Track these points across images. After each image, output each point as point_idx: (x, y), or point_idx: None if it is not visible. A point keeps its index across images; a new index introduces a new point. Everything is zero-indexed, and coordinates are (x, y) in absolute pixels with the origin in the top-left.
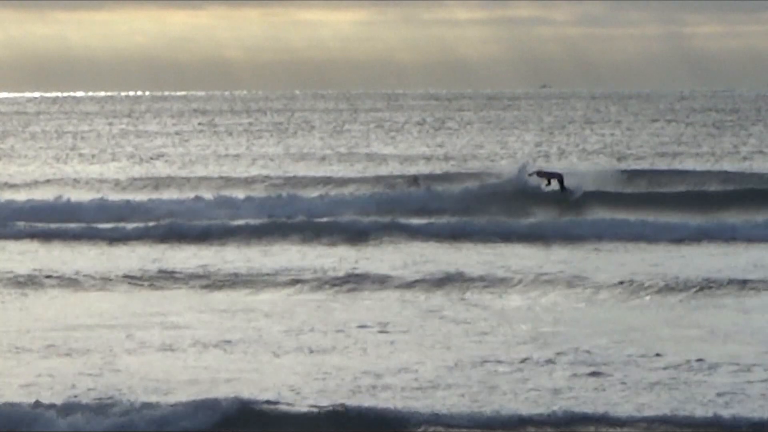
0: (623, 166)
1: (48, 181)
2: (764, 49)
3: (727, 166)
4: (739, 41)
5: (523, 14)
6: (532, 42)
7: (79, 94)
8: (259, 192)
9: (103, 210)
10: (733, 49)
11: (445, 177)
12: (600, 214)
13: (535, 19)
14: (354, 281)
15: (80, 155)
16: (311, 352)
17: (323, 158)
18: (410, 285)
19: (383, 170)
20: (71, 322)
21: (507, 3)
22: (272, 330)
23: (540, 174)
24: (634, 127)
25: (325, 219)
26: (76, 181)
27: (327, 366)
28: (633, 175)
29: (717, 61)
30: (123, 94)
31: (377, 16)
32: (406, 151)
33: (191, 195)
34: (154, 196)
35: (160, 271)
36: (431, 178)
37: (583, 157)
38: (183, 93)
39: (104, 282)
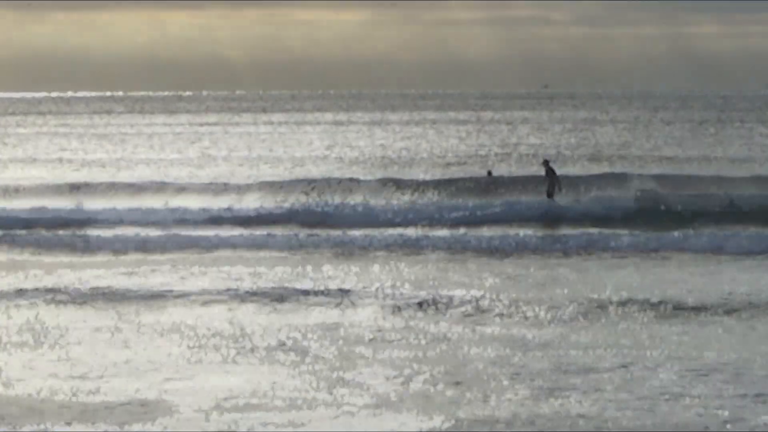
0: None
1: None
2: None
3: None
4: (738, 41)
5: (523, 14)
6: (532, 42)
7: (77, 94)
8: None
9: None
10: (732, 49)
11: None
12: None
13: (536, 19)
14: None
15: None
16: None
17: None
18: None
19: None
20: None
21: (507, 3)
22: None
23: (546, 164)
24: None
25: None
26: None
27: None
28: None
29: (717, 61)
30: (125, 94)
31: (377, 17)
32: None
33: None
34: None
35: None
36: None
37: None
38: (188, 93)
39: None
